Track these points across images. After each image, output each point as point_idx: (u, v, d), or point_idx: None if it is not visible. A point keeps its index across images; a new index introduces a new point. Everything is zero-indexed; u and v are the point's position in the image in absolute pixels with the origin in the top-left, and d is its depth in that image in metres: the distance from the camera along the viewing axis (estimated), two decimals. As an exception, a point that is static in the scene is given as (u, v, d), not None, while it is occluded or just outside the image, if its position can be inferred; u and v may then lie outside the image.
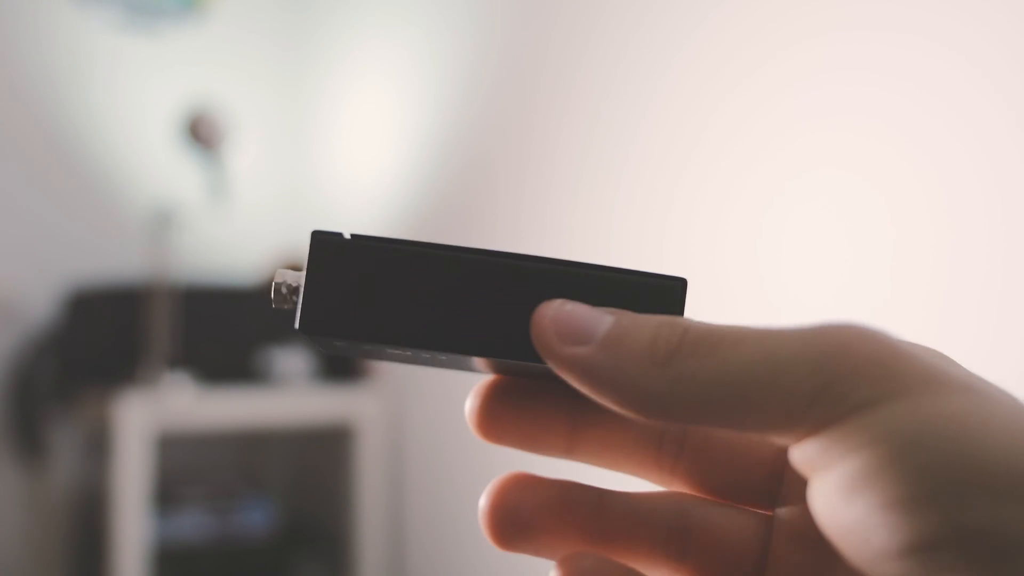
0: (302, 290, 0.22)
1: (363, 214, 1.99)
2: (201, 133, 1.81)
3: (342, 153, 2.10)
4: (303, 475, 2.05)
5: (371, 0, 2.01)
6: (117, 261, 1.90)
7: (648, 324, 0.19)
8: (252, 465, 2.07)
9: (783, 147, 1.05)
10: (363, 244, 0.22)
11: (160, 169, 1.98)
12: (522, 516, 0.22)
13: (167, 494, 1.74)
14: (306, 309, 0.22)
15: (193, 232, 1.88)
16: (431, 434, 1.70)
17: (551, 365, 0.19)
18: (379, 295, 0.22)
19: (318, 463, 1.96)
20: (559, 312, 0.19)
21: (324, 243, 0.22)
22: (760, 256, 1.07)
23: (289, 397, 1.78)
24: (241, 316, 1.89)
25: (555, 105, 1.45)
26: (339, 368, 1.90)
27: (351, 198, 2.06)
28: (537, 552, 0.22)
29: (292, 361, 1.82)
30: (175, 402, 1.61)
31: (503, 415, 0.23)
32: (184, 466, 1.90)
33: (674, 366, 0.18)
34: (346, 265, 0.22)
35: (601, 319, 0.19)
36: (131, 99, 2.01)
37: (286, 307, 0.23)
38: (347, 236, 0.22)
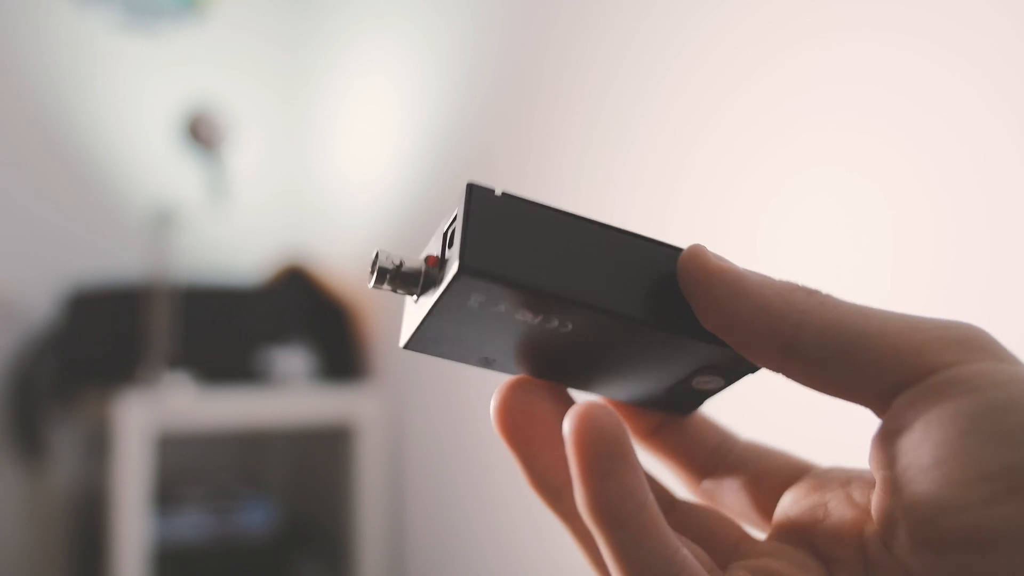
0: (458, 235, 0.22)
1: (363, 214, 1.99)
2: (201, 133, 1.81)
3: (342, 153, 2.10)
4: (303, 475, 2.05)
5: (371, 0, 2.01)
6: (117, 261, 1.90)
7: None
8: (252, 465, 2.07)
9: (783, 147, 1.05)
10: (514, 202, 0.23)
11: (160, 169, 1.98)
12: (527, 412, 0.23)
13: (167, 494, 1.74)
14: (468, 252, 0.22)
15: (193, 232, 1.88)
16: (431, 434, 1.70)
17: (696, 281, 0.22)
18: (529, 248, 0.23)
19: (318, 463, 1.96)
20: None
21: (480, 196, 0.23)
22: (760, 256, 1.07)
23: (289, 397, 1.78)
24: (241, 316, 1.90)
25: (555, 105, 1.45)
26: (339, 368, 1.90)
27: (351, 198, 2.06)
28: (525, 451, 0.23)
29: (292, 361, 1.82)
30: (175, 402, 1.61)
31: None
32: (184, 466, 1.90)
33: (819, 296, 0.21)
34: (498, 218, 0.23)
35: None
36: (131, 99, 2.01)
37: (384, 287, 0.24)
38: (499, 193, 0.23)
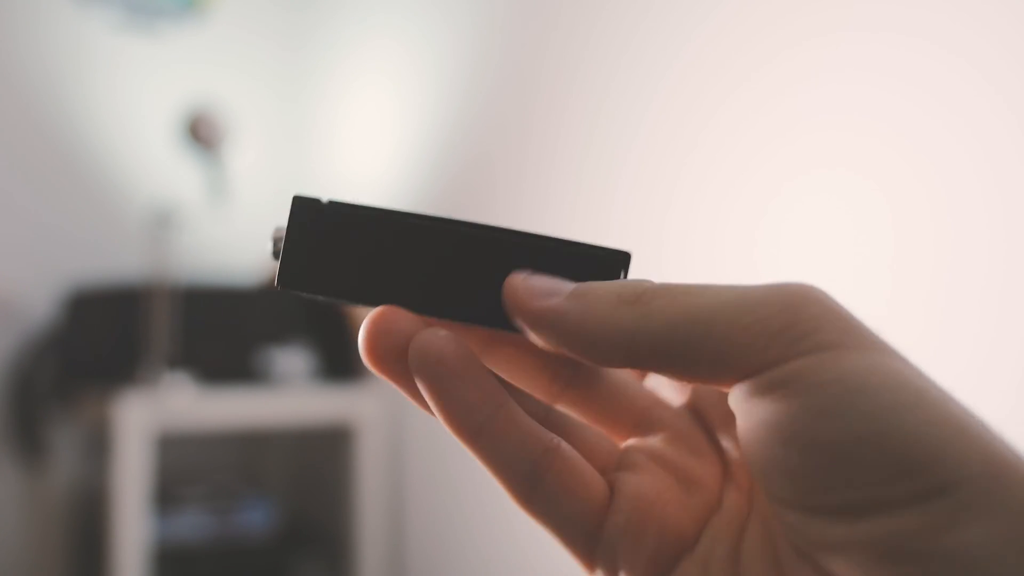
0: (282, 249, 0.23)
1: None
2: (201, 133, 1.81)
3: (342, 153, 2.10)
4: (303, 475, 2.05)
5: (371, 0, 2.01)
6: (117, 261, 1.90)
7: (613, 283, 0.21)
8: (252, 465, 2.07)
9: (783, 147, 1.05)
10: (339, 209, 0.23)
11: (160, 169, 1.98)
12: (393, 340, 0.23)
13: (167, 494, 1.74)
14: (285, 266, 0.23)
15: (193, 232, 1.88)
16: (431, 434, 1.70)
17: (522, 321, 0.22)
18: (353, 257, 0.23)
19: (318, 463, 1.96)
20: (529, 277, 0.22)
21: (303, 207, 0.23)
22: (759, 256, 1.07)
23: (289, 397, 1.78)
24: (241, 316, 1.89)
25: (555, 105, 1.45)
26: (339, 368, 1.90)
27: (351, 198, 2.05)
28: (399, 380, 0.23)
29: (292, 361, 1.82)
30: (175, 402, 1.61)
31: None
32: (184, 466, 1.90)
33: (643, 303, 0.20)
34: (323, 228, 0.23)
35: (568, 282, 0.22)
36: (131, 99, 2.01)
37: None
38: (325, 201, 0.23)
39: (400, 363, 0.22)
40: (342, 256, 0.23)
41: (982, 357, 0.83)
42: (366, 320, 0.23)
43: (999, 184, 0.83)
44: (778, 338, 0.18)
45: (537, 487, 0.22)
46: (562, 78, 1.43)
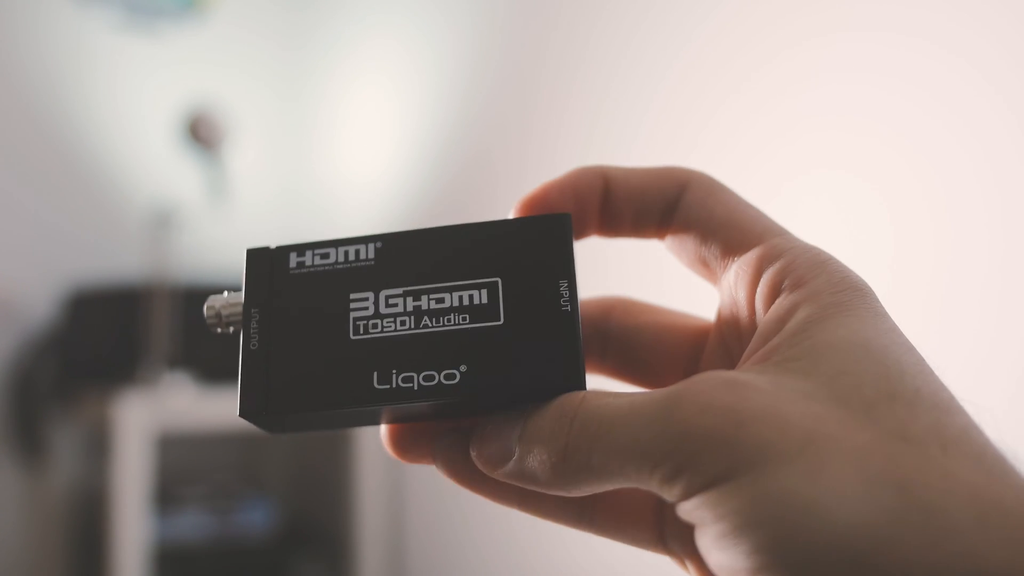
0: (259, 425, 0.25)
1: (363, 214, 1.99)
2: (201, 133, 1.81)
3: (342, 153, 2.10)
4: (303, 475, 2.05)
5: (371, 0, 2.01)
6: (117, 261, 1.90)
7: (543, 431, 0.23)
8: (252, 465, 2.07)
9: (783, 147, 1.05)
10: (278, 421, 0.25)
11: (160, 169, 1.98)
12: (412, 444, 0.28)
13: (167, 494, 1.74)
14: (268, 429, 0.26)
15: (193, 232, 1.88)
16: (431, 434, 1.70)
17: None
18: (322, 422, 0.26)
19: (318, 463, 1.96)
20: (480, 448, 0.25)
21: (251, 416, 0.25)
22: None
23: (289, 397, 1.77)
24: (241, 316, 1.89)
25: (555, 105, 1.45)
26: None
27: (351, 198, 2.06)
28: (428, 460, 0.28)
29: (292, 361, 1.82)
30: (175, 402, 1.61)
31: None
32: (184, 466, 1.90)
33: (570, 456, 0.22)
34: (276, 420, 0.25)
35: (510, 438, 0.24)
36: (131, 99, 2.01)
37: (228, 331, 0.27)
38: (263, 413, 0.25)
39: (427, 456, 0.27)
40: (311, 423, 0.25)
41: (981, 356, 0.83)
42: (384, 441, 0.28)
43: (999, 184, 0.83)
44: (675, 483, 0.20)
45: (593, 523, 0.26)
46: (562, 78, 1.43)
